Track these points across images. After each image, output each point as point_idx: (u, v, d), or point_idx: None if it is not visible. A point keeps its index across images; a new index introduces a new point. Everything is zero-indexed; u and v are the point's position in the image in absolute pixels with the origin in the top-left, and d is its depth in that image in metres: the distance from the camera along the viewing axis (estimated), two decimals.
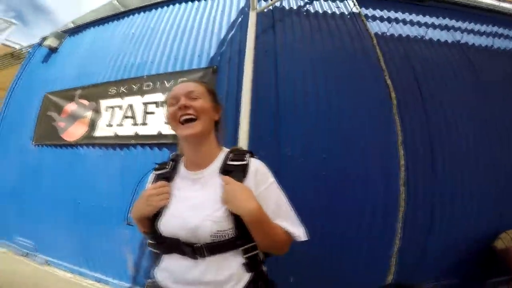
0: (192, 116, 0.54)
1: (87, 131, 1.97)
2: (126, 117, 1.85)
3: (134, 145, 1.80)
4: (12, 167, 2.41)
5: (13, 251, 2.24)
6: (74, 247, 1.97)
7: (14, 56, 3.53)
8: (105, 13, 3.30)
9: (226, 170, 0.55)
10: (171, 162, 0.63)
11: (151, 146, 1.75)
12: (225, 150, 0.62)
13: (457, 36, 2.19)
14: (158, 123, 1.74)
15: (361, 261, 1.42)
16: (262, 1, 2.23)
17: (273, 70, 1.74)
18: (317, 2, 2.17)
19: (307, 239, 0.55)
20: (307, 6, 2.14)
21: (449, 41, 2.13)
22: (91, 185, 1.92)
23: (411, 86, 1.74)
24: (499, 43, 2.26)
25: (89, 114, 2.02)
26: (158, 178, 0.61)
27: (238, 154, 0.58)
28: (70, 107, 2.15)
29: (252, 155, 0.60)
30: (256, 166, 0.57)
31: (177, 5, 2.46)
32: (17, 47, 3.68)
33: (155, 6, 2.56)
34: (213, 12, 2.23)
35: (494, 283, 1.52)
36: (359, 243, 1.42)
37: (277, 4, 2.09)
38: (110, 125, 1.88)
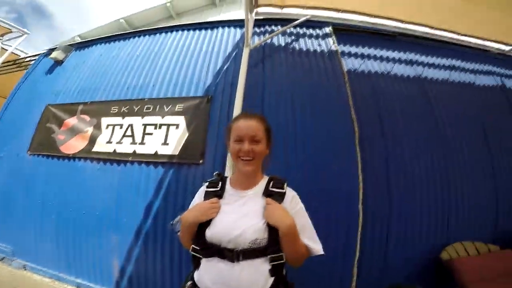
0: (250, 158, 0.71)
1: (87, 146, 2.11)
2: (126, 135, 2.02)
3: (132, 162, 1.95)
4: (3, 173, 2.47)
5: None
6: (56, 252, 2.04)
7: (16, 63, 3.64)
8: (111, 31, 3.54)
9: (268, 193, 0.72)
10: (219, 181, 0.78)
11: (147, 163, 1.91)
12: (266, 177, 0.78)
13: (418, 70, 2.50)
14: (155, 144, 1.92)
15: (326, 270, 1.62)
16: (256, 36, 2.54)
17: (259, 101, 2.00)
18: (303, 39, 2.49)
19: (323, 253, 0.70)
20: (294, 43, 2.45)
21: (411, 75, 2.44)
22: (85, 195, 2.03)
23: (373, 120, 2.03)
24: (454, 76, 2.58)
25: (89, 129, 2.16)
26: (209, 194, 0.76)
27: (278, 182, 0.75)
28: (71, 121, 2.29)
29: (287, 184, 0.77)
30: (292, 194, 0.74)
31: (179, 32, 2.72)
32: (20, 54, 3.80)
33: (159, 30, 2.80)
34: (212, 43, 2.49)
35: None
36: (326, 253, 1.61)
37: (268, 40, 2.38)
38: (109, 142, 2.04)
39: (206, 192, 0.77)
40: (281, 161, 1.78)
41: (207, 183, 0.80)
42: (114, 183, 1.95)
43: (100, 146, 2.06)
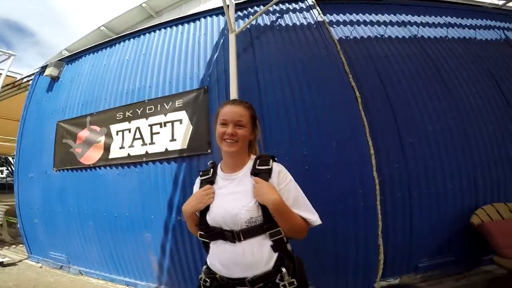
0: (234, 140, 0.73)
1: (103, 154, 2.27)
2: (136, 138, 2.15)
3: (146, 162, 2.10)
4: (38, 191, 2.70)
5: (48, 265, 2.56)
6: (102, 255, 2.25)
7: (15, 85, 3.74)
8: (95, 40, 3.53)
9: (255, 172, 0.74)
10: (211, 169, 0.83)
11: (160, 161, 2.05)
12: (253, 157, 0.81)
13: (413, 31, 2.44)
14: (164, 141, 2.04)
15: (350, 244, 1.64)
16: (240, 20, 2.50)
17: (255, 84, 2.04)
18: (287, 15, 2.42)
19: (321, 223, 0.70)
20: (279, 20, 2.40)
21: (407, 36, 2.38)
22: (112, 199, 2.21)
23: (375, 84, 2.01)
24: (453, 32, 2.52)
25: (102, 138, 2.30)
26: (203, 182, 0.81)
27: (264, 160, 0.76)
28: (84, 133, 2.43)
29: (274, 160, 0.78)
30: (278, 169, 0.75)
31: (163, 30, 2.68)
32: (16, 76, 3.87)
33: (143, 32, 2.77)
34: (197, 35, 2.47)
35: (487, 260, 1.61)
36: (346, 227, 1.65)
37: (253, 22, 2.35)
38: (122, 147, 2.18)
39: (201, 181, 0.83)
40: (285, 137, 1.85)
41: (200, 173, 0.85)
42: (134, 185, 2.12)
43: (115, 152, 2.21)
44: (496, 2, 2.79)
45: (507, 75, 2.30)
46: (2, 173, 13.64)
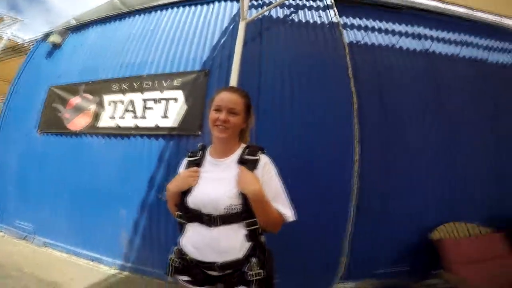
0: (226, 127, 0.73)
1: (91, 122, 2.19)
2: (127, 111, 2.08)
3: (134, 135, 2.03)
4: (16, 154, 2.59)
5: (11, 235, 2.40)
6: (71, 228, 2.17)
7: (15, 49, 3.67)
8: (106, 12, 3.48)
9: (242, 161, 0.74)
10: (199, 151, 0.82)
11: (149, 136, 1.99)
12: (243, 145, 0.81)
13: (426, 44, 2.41)
14: (155, 117, 1.98)
15: (318, 241, 1.67)
16: (253, 9, 2.47)
17: (257, 76, 1.99)
18: (302, 11, 2.40)
19: (295, 219, 0.73)
20: (293, 15, 2.38)
21: (417, 49, 2.36)
22: (93, 170, 2.13)
23: (374, 92, 2.01)
24: (464, 51, 2.48)
25: (93, 107, 2.23)
26: (190, 163, 0.81)
27: (253, 150, 0.77)
28: (75, 100, 2.36)
29: (262, 151, 0.78)
30: (264, 161, 0.76)
31: (175, 8, 2.66)
32: (18, 40, 3.81)
33: (154, 8, 2.74)
34: (208, 18, 2.44)
35: (436, 274, 1.71)
36: (318, 223, 1.68)
37: (266, 13, 2.32)
38: (112, 117, 2.11)
39: (188, 162, 0.82)
40: (278, 131, 1.81)
41: (189, 154, 0.84)
42: (119, 157, 2.05)
43: (104, 121, 2.14)
44: None
45: (505, 102, 2.27)
46: None
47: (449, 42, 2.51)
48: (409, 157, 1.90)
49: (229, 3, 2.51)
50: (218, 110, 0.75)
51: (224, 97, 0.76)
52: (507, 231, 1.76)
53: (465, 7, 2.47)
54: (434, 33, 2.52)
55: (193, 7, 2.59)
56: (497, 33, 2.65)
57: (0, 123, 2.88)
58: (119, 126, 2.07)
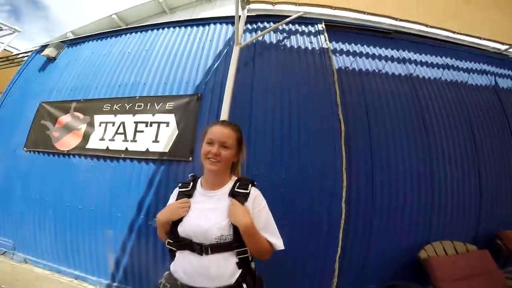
0: (217, 160, 0.77)
1: (80, 142, 2.16)
2: (118, 133, 2.07)
3: (124, 159, 2.02)
4: (0, 169, 2.52)
5: None
6: (55, 246, 2.12)
7: (9, 59, 3.63)
8: (104, 27, 3.52)
9: (233, 194, 0.78)
10: (191, 182, 0.85)
11: (139, 160, 1.98)
12: (234, 178, 0.84)
13: (410, 69, 2.51)
14: (146, 141, 1.97)
15: (311, 264, 1.70)
16: (247, 33, 2.54)
17: (248, 100, 2.03)
18: (295, 36, 2.48)
19: (283, 248, 0.77)
20: (285, 40, 2.45)
21: (402, 74, 2.44)
22: (80, 190, 2.10)
23: (360, 119, 2.08)
24: (446, 74, 2.59)
25: (83, 127, 2.21)
26: (180, 194, 0.83)
27: (243, 184, 0.80)
28: (65, 118, 2.33)
29: (253, 185, 0.82)
30: (254, 194, 0.80)
31: (171, 28, 2.71)
32: (13, 50, 3.78)
33: (151, 27, 2.80)
34: (203, 40, 2.49)
35: None
36: (308, 249, 1.70)
37: (260, 37, 2.38)
38: (102, 139, 2.09)
39: (179, 193, 0.85)
40: (267, 158, 1.84)
41: (180, 184, 0.88)
42: (107, 179, 2.02)
43: (94, 143, 2.12)
44: (499, 47, 2.85)
45: (483, 125, 2.38)
46: None
47: (431, 65, 2.63)
48: (394, 180, 1.96)
49: (224, 26, 2.58)
50: (210, 143, 0.78)
51: (216, 131, 0.79)
52: (491, 248, 1.83)
53: (448, 30, 2.60)
54: (418, 57, 2.63)
55: (189, 28, 2.65)
56: (476, 56, 2.80)
57: None
58: (109, 149, 2.05)
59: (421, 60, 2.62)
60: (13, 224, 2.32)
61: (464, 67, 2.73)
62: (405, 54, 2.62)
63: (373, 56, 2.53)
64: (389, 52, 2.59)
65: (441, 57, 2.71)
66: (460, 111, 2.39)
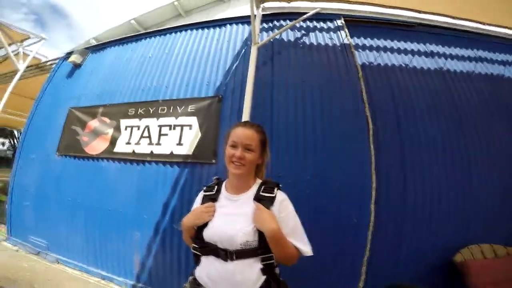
0: (242, 163, 0.76)
1: (108, 147, 2.26)
2: (143, 137, 2.13)
3: (149, 162, 2.07)
4: (35, 174, 2.70)
5: (25, 250, 2.48)
6: (85, 246, 2.22)
7: (39, 67, 3.89)
8: (123, 32, 3.63)
9: (259, 198, 0.76)
10: (215, 185, 0.85)
11: (164, 163, 2.02)
12: (259, 181, 0.82)
13: (440, 63, 2.33)
14: (170, 144, 2.01)
15: (336, 268, 1.65)
16: (264, 32, 2.49)
17: (269, 101, 2.00)
18: (313, 33, 2.40)
19: (312, 254, 0.74)
20: (304, 38, 2.38)
21: (432, 68, 2.27)
22: (109, 193, 2.19)
23: (389, 116, 1.95)
24: (480, 67, 2.38)
25: (110, 131, 2.30)
26: (205, 198, 0.83)
27: (269, 187, 0.78)
28: (93, 123, 2.45)
29: (279, 188, 0.80)
30: (281, 198, 0.77)
31: (188, 31, 2.73)
32: (41, 58, 4.03)
33: (169, 31, 2.84)
34: (221, 41, 2.49)
35: None
36: (335, 252, 1.65)
37: (277, 36, 2.33)
38: (129, 143, 2.17)
39: (204, 196, 0.84)
40: (291, 158, 1.80)
41: (205, 188, 0.87)
42: (134, 182, 2.09)
43: (120, 147, 2.20)
44: None
45: None
46: (3, 145, 12.87)
47: (463, 59, 2.42)
48: (428, 183, 1.83)
49: (240, 26, 2.55)
50: (234, 146, 0.77)
51: (239, 133, 0.78)
52: None
53: (473, 21, 2.37)
54: (447, 49, 2.44)
55: (206, 30, 2.66)
56: (510, 47, 2.53)
57: (22, 141, 3.03)
58: (135, 152, 2.12)
59: (450, 53, 2.42)
60: (47, 225, 2.47)
61: (499, 59, 2.49)
62: (433, 47, 2.43)
63: (399, 51, 2.37)
64: (415, 46, 2.42)
65: (472, 49, 2.48)
66: (499, 107, 2.18)
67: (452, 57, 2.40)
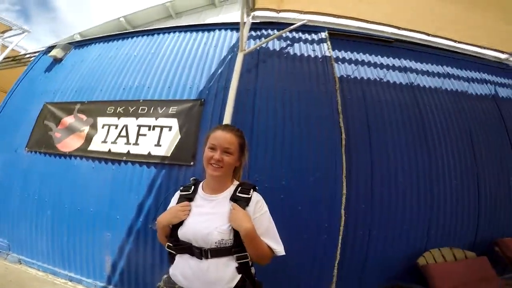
0: (219, 166, 0.77)
1: (83, 144, 2.17)
2: (120, 136, 2.07)
3: (126, 162, 2.02)
4: (0, 168, 2.51)
5: None
6: (51, 247, 2.10)
7: (16, 59, 3.69)
8: (111, 29, 3.58)
9: (235, 198, 0.78)
10: (192, 186, 0.85)
11: (140, 164, 1.98)
12: (236, 183, 0.84)
13: (411, 77, 2.51)
14: (149, 145, 1.98)
15: (309, 271, 1.69)
16: (251, 40, 2.57)
17: (250, 107, 2.05)
18: (297, 44, 2.51)
19: (284, 254, 0.76)
20: (289, 48, 2.48)
21: (403, 83, 2.45)
22: (80, 192, 2.09)
23: (362, 127, 2.08)
24: (447, 83, 2.58)
25: (86, 128, 2.22)
26: (182, 197, 0.83)
27: (245, 189, 0.80)
28: (68, 119, 2.34)
29: (255, 189, 0.82)
30: (256, 199, 0.79)
31: (177, 33, 2.75)
32: (21, 50, 3.84)
33: (157, 31, 2.84)
34: (208, 46, 2.53)
35: None
36: (307, 255, 1.70)
37: (263, 44, 2.41)
38: (105, 142, 2.10)
39: (180, 196, 0.85)
40: (268, 164, 1.85)
41: (181, 188, 0.88)
42: (108, 182, 2.02)
43: (96, 145, 2.12)
44: (499, 56, 2.84)
45: (481, 134, 2.37)
46: None
47: (432, 74, 2.63)
48: (394, 192, 1.95)
49: (229, 32, 2.62)
50: (212, 148, 0.78)
51: (219, 136, 0.79)
52: (490, 255, 1.83)
53: (449, 39, 2.62)
54: (419, 65, 2.64)
55: (194, 33, 2.69)
56: (477, 65, 2.80)
57: None
58: (111, 151, 2.05)
59: (422, 69, 2.64)
60: (9, 224, 2.30)
61: (465, 76, 2.74)
62: (406, 62, 2.63)
63: (375, 65, 2.55)
64: (390, 61, 2.60)
65: (441, 66, 2.72)
66: (460, 121, 2.39)
67: (422, 72, 2.61)
